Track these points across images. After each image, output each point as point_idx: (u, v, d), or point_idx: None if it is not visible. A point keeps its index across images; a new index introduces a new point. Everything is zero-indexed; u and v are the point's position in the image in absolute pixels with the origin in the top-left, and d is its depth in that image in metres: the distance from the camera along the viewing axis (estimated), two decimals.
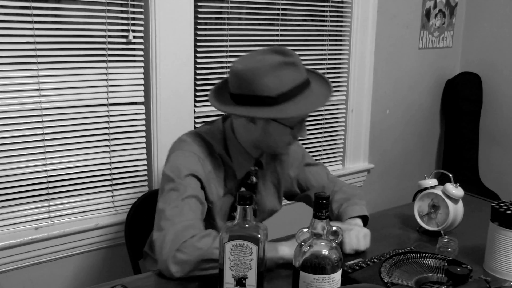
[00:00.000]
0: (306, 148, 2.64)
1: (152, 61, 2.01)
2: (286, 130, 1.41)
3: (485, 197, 2.06)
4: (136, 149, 2.07)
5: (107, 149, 2.00)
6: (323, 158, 2.74)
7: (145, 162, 2.10)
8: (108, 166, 2.02)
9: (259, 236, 1.11)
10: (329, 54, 2.64)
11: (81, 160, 1.95)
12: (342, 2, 2.63)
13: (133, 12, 1.97)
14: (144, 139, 2.08)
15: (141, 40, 2.01)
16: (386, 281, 1.24)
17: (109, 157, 2.01)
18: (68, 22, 1.87)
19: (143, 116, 2.07)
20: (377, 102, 2.89)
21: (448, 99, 3.24)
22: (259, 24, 2.38)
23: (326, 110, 2.69)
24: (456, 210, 1.57)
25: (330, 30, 2.62)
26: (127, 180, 2.08)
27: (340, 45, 2.69)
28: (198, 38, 2.15)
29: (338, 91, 2.73)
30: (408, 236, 1.62)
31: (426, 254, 1.36)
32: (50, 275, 1.97)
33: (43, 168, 1.87)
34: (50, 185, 1.91)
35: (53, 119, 1.87)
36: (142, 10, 1.98)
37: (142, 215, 1.74)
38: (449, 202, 1.56)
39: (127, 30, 1.96)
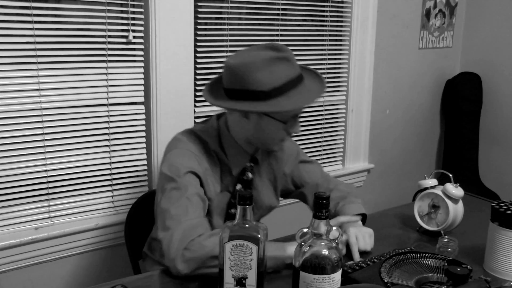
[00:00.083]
0: (306, 148, 2.64)
1: (152, 61, 2.01)
2: (279, 125, 1.42)
3: (485, 197, 2.06)
4: (136, 149, 2.07)
5: (107, 149, 2.00)
6: (323, 158, 2.74)
7: (145, 162, 2.10)
8: (108, 166, 2.02)
9: (259, 236, 1.11)
10: (329, 54, 2.64)
11: (81, 160, 1.95)
12: (342, 2, 2.63)
13: (133, 12, 1.97)
14: (144, 139, 2.08)
15: (141, 40, 2.01)
16: (386, 281, 1.24)
17: (109, 157, 2.01)
18: (68, 22, 1.87)
19: (143, 116, 2.07)
20: (377, 102, 2.89)
21: (448, 99, 3.24)
22: (259, 24, 2.38)
23: (326, 110, 2.69)
24: (456, 210, 1.57)
25: (330, 30, 2.62)
26: (127, 180, 2.08)
27: (340, 45, 2.69)
28: (198, 38, 2.15)
29: (338, 91, 2.73)
30: (408, 236, 1.62)
31: (426, 254, 1.36)
32: (50, 275, 1.97)
33: (43, 168, 1.87)
34: (50, 185, 1.91)
35: (53, 119, 1.87)
36: (142, 10, 1.98)
37: (142, 215, 1.74)
38: (449, 202, 1.56)
39: (127, 30, 1.96)
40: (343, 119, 2.77)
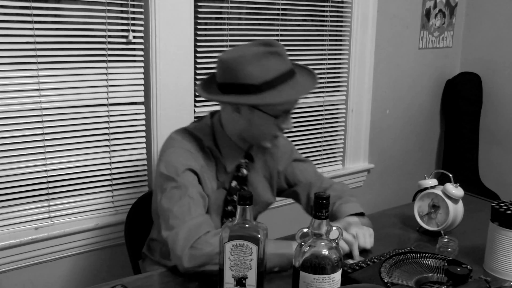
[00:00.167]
0: (306, 148, 2.65)
1: (152, 61, 2.01)
2: (270, 120, 1.42)
3: (485, 197, 2.06)
4: (136, 149, 2.07)
5: (107, 149, 2.00)
6: (323, 158, 2.74)
7: (145, 162, 2.10)
8: (108, 166, 2.02)
9: (259, 236, 1.11)
10: (329, 54, 2.64)
11: (81, 160, 1.95)
12: (342, 2, 2.63)
13: (133, 12, 1.97)
14: (144, 139, 2.08)
15: (141, 40, 2.01)
16: (386, 281, 1.24)
17: (109, 157, 2.01)
18: (68, 22, 1.87)
19: (143, 116, 2.07)
20: (377, 102, 2.89)
21: (448, 99, 3.24)
22: (259, 24, 2.38)
23: (326, 110, 2.70)
24: (456, 210, 1.57)
25: (330, 30, 2.62)
26: (127, 180, 2.08)
27: (340, 45, 2.69)
28: (198, 38, 2.15)
29: (338, 91, 2.73)
30: (408, 236, 1.62)
31: (426, 254, 1.36)
32: (50, 275, 1.97)
33: (43, 168, 1.88)
34: (50, 185, 1.91)
35: (53, 119, 1.87)
36: (142, 10, 1.98)
37: (142, 215, 1.74)
38: (449, 202, 1.56)
39: (127, 30, 1.96)
40: (343, 119, 2.77)
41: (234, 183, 1.54)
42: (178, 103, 2.10)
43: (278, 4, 2.37)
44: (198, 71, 2.16)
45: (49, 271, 1.96)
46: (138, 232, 1.75)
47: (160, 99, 2.06)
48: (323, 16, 2.59)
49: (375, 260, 1.37)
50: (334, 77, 2.70)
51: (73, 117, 1.91)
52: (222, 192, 1.53)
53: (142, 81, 2.04)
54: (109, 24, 1.92)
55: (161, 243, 1.58)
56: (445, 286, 1.22)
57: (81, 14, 1.88)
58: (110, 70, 1.95)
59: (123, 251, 1.77)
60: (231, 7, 2.24)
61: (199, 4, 2.12)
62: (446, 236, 1.47)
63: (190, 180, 1.41)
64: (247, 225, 1.11)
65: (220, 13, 2.24)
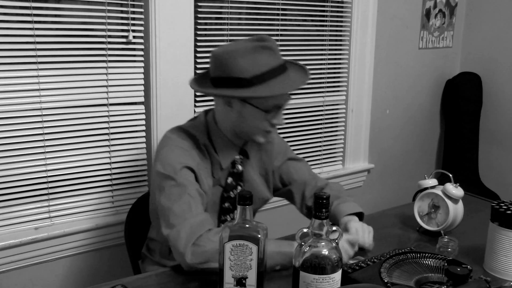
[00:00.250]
0: (306, 148, 2.65)
1: (152, 61, 2.01)
2: (261, 114, 1.43)
3: (485, 197, 2.06)
4: (136, 149, 2.07)
5: (107, 149, 2.00)
6: (323, 158, 2.74)
7: (145, 162, 2.10)
8: (108, 166, 2.02)
9: (259, 236, 1.11)
10: (329, 54, 2.64)
11: (81, 160, 1.95)
12: (342, 2, 2.63)
13: (133, 12, 1.97)
14: (144, 139, 2.08)
15: (141, 40, 2.01)
16: (386, 281, 1.24)
17: (109, 157, 2.01)
18: (68, 22, 1.87)
19: (143, 116, 2.07)
20: (377, 102, 2.89)
21: (448, 99, 3.24)
22: (259, 24, 2.38)
23: (326, 110, 2.70)
24: (456, 210, 1.57)
25: (330, 30, 2.62)
26: (127, 180, 2.08)
27: (340, 45, 2.69)
28: (198, 38, 2.15)
29: (338, 91, 2.73)
30: (408, 236, 1.62)
31: (426, 254, 1.36)
32: (50, 275, 1.97)
33: (43, 168, 1.87)
34: (50, 185, 1.91)
35: (53, 119, 1.87)
36: (142, 10, 1.98)
37: (142, 215, 1.74)
38: (449, 202, 1.56)
39: (127, 30, 1.96)
40: (343, 119, 2.77)
41: (229, 180, 1.55)
42: (178, 103, 2.10)
43: (278, 4, 2.37)
44: (198, 71, 2.16)
45: (49, 271, 1.96)
46: (138, 232, 1.75)
47: (160, 99, 2.06)
48: (323, 16, 2.59)
49: (375, 260, 1.37)
50: (334, 77, 2.70)
51: (73, 117, 1.91)
52: (218, 189, 1.54)
53: (142, 81, 2.04)
54: (109, 24, 1.92)
55: (160, 242, 1.59)
56: (445, 286, 1.22)
57: (81, 14, 1.88)
58: (110, 70, 1.95)
59: (123, 251, 1.77)
60: (231, 7, 2.24)
61: (199, 4, 2.12)
62: (446, 236, 1.47)
63: (188, 178, 1.42)
64: (247, 225, 1.11)
65: (220, 13, 2.24)
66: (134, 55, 2.02)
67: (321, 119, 2.69)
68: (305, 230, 1.10)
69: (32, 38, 1.76)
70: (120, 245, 1.97)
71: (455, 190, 1.56)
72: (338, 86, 2.73)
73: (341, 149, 2.81)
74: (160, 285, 1.29)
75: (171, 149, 1.46)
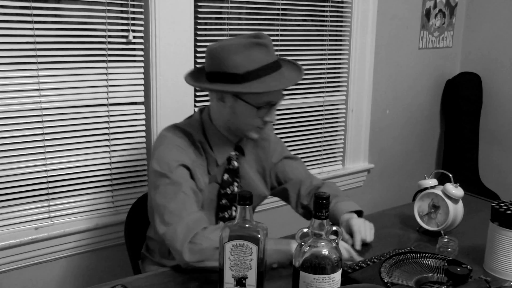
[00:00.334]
0: (306, 148, 2.65)
1: (152, 61, 2.01)
2: (252, 111, 1.43)
3: (485, 197, 2.06)
4: (136, 149, 2.07)
5: (107, 149, 2.00)
6: (323, 158, 2.74)
7: (145, 162, 2.10)
8: (108, 166, 2.02)
9: (259, 236, 1.11)
10: (329, 54, 2.64)
11: (81, 160, 1.95)
12: (342, 2, 2.63)
13: (133, 12, 1.97)
14: (144, 139, 2.08)
15: (141, 40, 2.01)
16: (386, 281, 1.24)
17: (109, 157, 2.01)
18: (68, 22, 1.87)
19: (143, 116, 2.07)
20: (377, 102, 2.89)
21: (448, 99, 3.24)
22: (259, 24, 2.38)
23: (326, 110, 2.70)
24: (456, 210, 1.57)
25: (330, 30, 2.62)
26: (127, 180, 2.08)
27: (340, 45, 2.69)
28: (198, 38, 2.15)
29: (338, 91, 2.73)
30: (408, 236, 1.62)
31: (426, 254, 1.36)
32: (50, 275, 1.97)
33: (43, 168, 1.87)
34: (50, 185, 1.91)
35: (53, 119, 1.87)
36: (142, 10, 1.98)
37: (142, 215, 1.73)
38: (449, 202, 1.56)
39: (127, 30, 1.96)
40: (343, 119, 2.77)
41: (226, 176, 1.55)
42: (178, 103, 2.10)
43: (278, 4, 2.37)
44: None
45: (49, 271, 1.96)
46: (138, 232, 1.75)
47: (160, 99, 2.06)
48: (323, 16, 2.59)
49: (375, 260, 1.37)
50: (334, 77, 2.70)
51: (73, 117, 1.91)
52: (214, 186, 1.54)
53: (142, 81, 2.04)
54: (109, 24, 1.92)
55: (159, 242, 1.59)
56: (445, 286, 1.22)
57: (81, 14, 1.88)
58: (110, 70, 1.95)
59: (123, 251, 1.77)
60: (231, 7, 2.24)
61: (199, 4, 2.12)
62: (446, 236, 1.47)
63: (183, 175, 1.42)
64: (247, 225, 1.11)
65: (220, 13, 2.24)
66: (134, 55, 2.02)
67: (321, 119, 2.68)
68: (305, 230, 1.10)
69: (32, 38, 1.76)
70: (120, 245, 1.97)
71: (455, 190, 1.56)
72: (338, 86, 2.73)
73: (341, 149, 2.81)
74: (160, 285, 1.29)
75: (167, 147, 1.46)
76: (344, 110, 2.75)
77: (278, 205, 2.25)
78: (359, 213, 1.59)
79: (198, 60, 2.15)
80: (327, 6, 2.57)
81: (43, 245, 1.90)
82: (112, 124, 1.99)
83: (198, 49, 2.14)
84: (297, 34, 2.52)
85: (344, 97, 2.74)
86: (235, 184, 1.56)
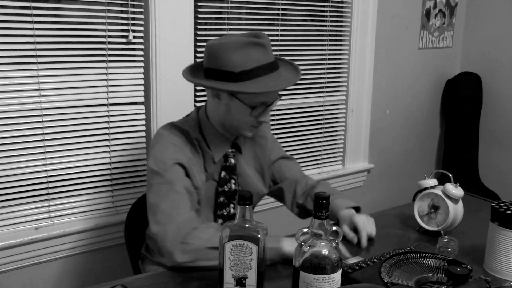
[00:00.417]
0: (306, 148, 2.65)
1: (152, 61, 2.01)
2: (246, 110, 1.43)
3: (485, 197, 2.06)
4: (136, 149, 2.07)
5: (107, 149, 2.00)
6: (323, 158, 2.74)
7: (145, 162, 2.10)
8: (108, 166, 2.02)
9: (259, 236, 1.11)
10: (329, 54, 2.64)
11: (81, 160, 1.95)
12: (342, 2, 2.63)
13: (133, 12, 1.97)
14: (144, 139, 2.08)
15: (141, 40, 2.01)
16: (386, 281, 1.24)
17: (109, 157, 2.01)
18: (68, 22, 1.87)
19: (143, 116, 2.07)
20: (377, 102, 2.89)
21: (448, 99, 3.24)
22: (259, 24, 2.38)
23: (326, 110, 2.69)
24: (456, 210, 1.57)
25: (330, 30, 2.62)
26: (127, 180, 2.08)
27: (340, 45, 2.69)
28: (198, 38, 2.15)
29: (338, 91, 2.73)
30: (408, 236, 1.62)
31: (426, 254, 1.36)
32: (50, 275, 1.97)
33: (43, 168, 1.87)
34: (50, 185, 1.91)
35: (53, 119, 1.87)
36: (142, 10, 1.98)
37: (142, 215, 1.73)
38: (449, 202, 1.56)
39: (127, 30, 1.96)
40: (343, 119, 2.77)
41: (223, 174, 1.55)
42: (178, 103, 2.10)
43: (278, 4, 2.37)
44: None
45: (49, 271, 1.96)
46: (138, 232, 1.74)
47: (160, 99, 2.06)
48: (323, 16, 2.59)
49: (375, 260, 1.37)
50: (334, 77, 2.70)
51: (73, 117, 1.91)
52: (212, 184, 1.55)
53: (142, 81, 2.04)
54: (109, 24, 1.92)
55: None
56: (445, 286, 1.22)
57: (81, 14, 1.88)
58: (110, 70, 1.95)
59: (123, 251, 1.77)
60: (231, 7, 2.24)
61: (199, 4, 2.12)
62: (446, 236, 1.47)
63: (177, 174, 1.43)
64: (247, 225, 1.11)
65: (220, 13, 2.24)
66: (134, 55, 2.02)
67: (321, 119, 2.68)
68: (305, 230, 1.10)
69: (32, 38, 1.76)
70: (120, 245, 1.97)
71: (455, 190, 1.56)
72: (338, 86, 2.73)
73: (341, 149, 2.81)
74: (160, 285, 1.29)
75: (163, 145, 1.47)
76: (344, 110, 2.75)
77: (278, 205, 2.24)
78: (357, 209, 1.61)
79: (198, 60, 2.14)
80: (327, 6, 2.57)
81: (43, 245, 1.90)
82: (112, 124, 1.99)
83: (198, 49, 2.14)
84: (297, 34, 2.52)
85: (344, 97, 2.74)
86: (232, 181, 1.56)
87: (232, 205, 1.57)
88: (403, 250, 1.41)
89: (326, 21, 2.59)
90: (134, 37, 1.97)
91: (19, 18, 1.75)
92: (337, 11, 2.62)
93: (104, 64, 1.94)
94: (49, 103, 1.85)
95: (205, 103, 1.56)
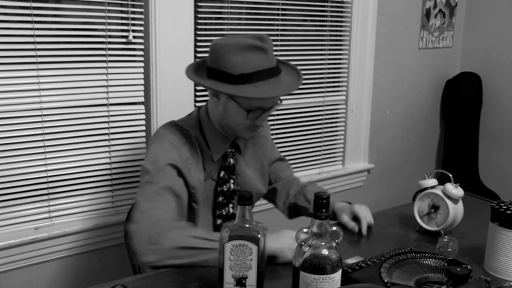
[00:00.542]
0: (306, 148, 2.65)
1: (152, 61, 2.01)
2: (242, 113, 1.43)
3: (485, 197, 2.06)
4: (136, 149, 2.07)
5: (107, 149, 2.00)
6: (323, 158, 2.74)
7: None
8: (108, 166, 2.02)
9: (259, 236, 1.11)
10: (329, 54, 2.64)
11: (81, 160, 1.95)
12: (342, 2, 2.63)
13: (133, 12, 1.97)
14: (144, 139, 2.08)
15: (141, 40, 2.01)
16: (386, 281, 1.24)
17: (109, 157, 2.01)
18: (68, 22, 1.87)
19: (143, 116, 2.07)
20: (377, 102, 2.89)
21: (448, 99, 3.24)
22: (259, 24, 2.38)
23: (326, 110, 2.69)
24: (456, 210, 1.57)
25: (330, 30, 2.62)
26: (127, 180, 2.08)
27: (340, 45, 2.69)
28: (198, 38, 2.15)
29: (338, 91, 2.73)
30: (408, 236, 1.62)
31: (426, 254, 1.36)
32: (50, 275, 1.97)
33: (43, 168, 1.87)
34: (50, 185, 1.91)
35: (53, 119, 1.87)
36: (142, 10, 1.98)
37: None
38: (449, 202, 1.56)
39: (127, 30, 1.96)
40: (343, 119, 2.77)
41: (222, 173, 1.55)
42: (178, 103, 2.10)
43: (278, 4, 2.37)
44: None
45: (49, 271, 1.96)
46: None
47: (160, 99, 2.06)
48: (323, 16, 2.59)
49: (375, 260, 1.37)
50: (334, 77, 2.70)
51: (73, 117, 1.91)
52: (211, 183, 1.55)
53: (142, 81, 2.04)
54: (109, 24, 1.92)
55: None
56: (445, 286, 1.22)
57: (81, 14, 1.88)
58: (110, 70, 1.95)
59: (123, 251, 1.77)
60: (231, 7, 2.24)
61: (199, 4, 2.13)
62: (446, 236, 1.47)
63: (167, 176, 1.42)
64: (247, 225, 1.10)
65: (220, 13, 2.24)
66: (134, 55, 2.02)
67: (321, 119, 2.68)
68: (305, 230, 1.10)
69: (32, 38, 1.76)
70: (120, 245, 1.97)
71: (455, 190, 1.56)
72: (338, 86, 2.73)
73: (341, 149, 2.81)
74: (160, 285, 1.29)
75: (160, 144, 1.47)
76: (344, 110, 2.75)
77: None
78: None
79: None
80: (327, 6, 2.57)
81: (43, 245, 1.90)
82: (112, 124, 2.00)
83: (198, 49, 2.14)
84: (297, 34, 2.52)
85: (344, 97, 2.74)
86: (231, 181, 1.56)
87: (231, 205, 1.57)
88: (403, 250, 1.41)
89: (326, 21, 2.59)
90: (134, 37, 1.97)
91: (19, 18, 1.75)
92: (337, 11, 2.62)
93: (104, 64, 1.94)
94: (49, 103, 1.85)
95: (207, 102, 1.56)
